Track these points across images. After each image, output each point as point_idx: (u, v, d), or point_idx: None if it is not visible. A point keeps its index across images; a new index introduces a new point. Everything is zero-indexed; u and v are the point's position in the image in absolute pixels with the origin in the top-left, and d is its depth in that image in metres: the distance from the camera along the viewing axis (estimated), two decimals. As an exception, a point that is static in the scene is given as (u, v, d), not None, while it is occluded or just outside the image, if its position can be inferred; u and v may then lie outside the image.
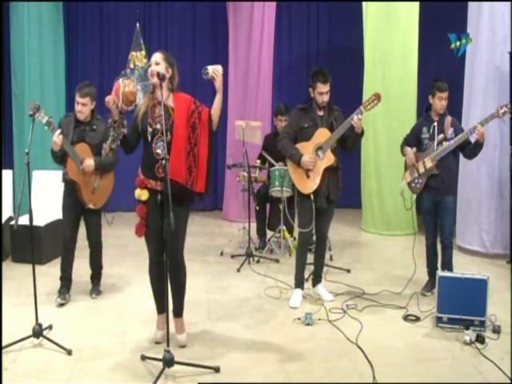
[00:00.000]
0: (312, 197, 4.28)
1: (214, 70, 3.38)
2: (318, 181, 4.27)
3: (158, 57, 3.46)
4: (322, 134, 4.25)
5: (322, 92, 4.24)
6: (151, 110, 3.44)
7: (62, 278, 4.47)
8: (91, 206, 4.45)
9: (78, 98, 4.29)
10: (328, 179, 4.30)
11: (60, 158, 4.24)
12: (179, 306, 3.69)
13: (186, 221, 3.57)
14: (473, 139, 4.32)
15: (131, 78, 7.45)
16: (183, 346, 3.63)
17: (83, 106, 4.29)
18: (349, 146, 4.33)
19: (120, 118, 3.35)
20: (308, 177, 4.30)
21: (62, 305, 4.33)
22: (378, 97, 4.12)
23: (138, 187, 3.48)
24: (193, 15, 8.24)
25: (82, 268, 4.76)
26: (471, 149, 4.40)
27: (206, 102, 3.53)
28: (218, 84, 3.40)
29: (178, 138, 3.35)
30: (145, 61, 7.55)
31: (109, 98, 3.33)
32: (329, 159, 4.26)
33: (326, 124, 4.30)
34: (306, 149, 4.28)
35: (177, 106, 3.42)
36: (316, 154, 4.28)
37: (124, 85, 3.31)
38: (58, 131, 4.05)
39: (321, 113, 4.33)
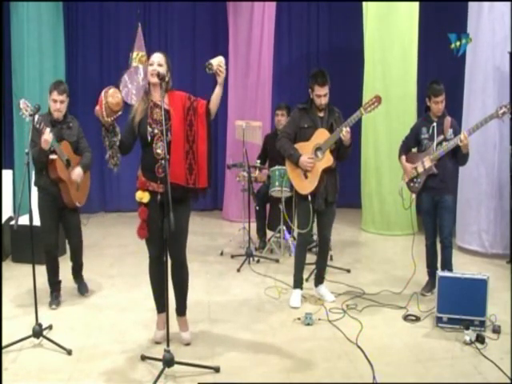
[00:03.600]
0: (310, 198, 4.27)
1: (220, 65, 3.30)
2: (316, 181, 4.25)
3: (161, 58, 3.44)
4: (322, 135, 4.24)
5: (320, 95, 4.22)
6: (150, 111, 3.43)
7: (51, 283, 4.40)
8: (77, 204, 4.39)
9: (56, 96, 4.18)
10: (326, 181, 4.27)
11: (46, 158, 4.12)
12: (182, 305, 3.70)
13: (188, 220, 3.58)
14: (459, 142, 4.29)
15: (121, 82, 7.41)
16: (188, 344, 3.64)
17: (61, 104, 4.21)
18: (339, 157, 4.31)
19: (111, 127, 3.29)
20: (306, 177, 4.29)
21: (54, 308, 4.29)
22: (378, 99, 4.11)
23: (139, 189, 3.48)
24: (193, 15, 8.23)
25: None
26: (460, 156, 4.39)
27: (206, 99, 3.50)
28: (222, 78, 3.34)
29: (176, 140, 3.34)
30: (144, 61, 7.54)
31: (97, 109, 3.28)
32: (328, 160, 4.24)
33: (325, 125, 4.28)
34: (305, 149, 4.27)
35: (173, 107, 3.40)
36: (315, 155, 4.26)
37: (107, 96, 3.20)
38: (48, 129, 3.95)
39: (321, 114, 4.31)
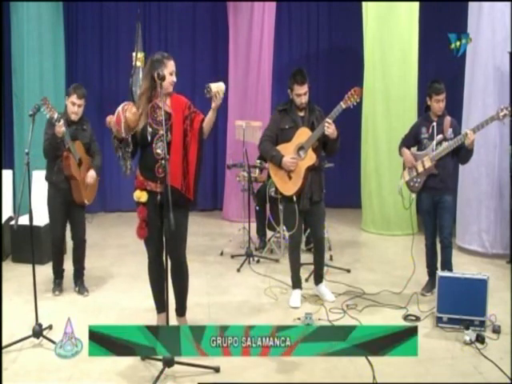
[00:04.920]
0: (295, 199, 4.23)
1: (218, 91, 3.27)
2: (300, 182, 4.20)
3: (174, 67, 3.46)
4: (303, 134, 4.20)
5: (300, 94, 4.20)
6: (151, 111, 3.44)
7: (55, 272, 4.61)
8: (86, 202, 4.55)
9: (75, 100, 4.33)
10: (310, 180, 4.24)
11: (60, 151, 4.26)
12: (182, 305, 3.71)
13: (187, 221, 3.57)
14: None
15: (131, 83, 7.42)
16: None
17: (79, 108, 4.39)
18: (328, 151, 4.28)
19: (125, 139, 3.33)
20: (290, 178, 4.25)
21: (57, 295, 4.51)
22: (357, 92, 4.04)
23: (137, 189, 3.48)
24: (193, 15, 8.23)
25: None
26: (463, 154, 4.38)
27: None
28: (217, 105, 3.32)
29: (175, 142, 3.35)
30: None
31: (110, 119, 3.29)
32: (310, 158, 4.19)
33: (307, 124, 4.24)
34: (288, 149, 4.22)
35: (174, 110, 3.42)
36: (297, 154, 4.22)
37: (125, 110, 3.23)
38: (62, 122, 4.09)
39: (302, 113, 4.29)
